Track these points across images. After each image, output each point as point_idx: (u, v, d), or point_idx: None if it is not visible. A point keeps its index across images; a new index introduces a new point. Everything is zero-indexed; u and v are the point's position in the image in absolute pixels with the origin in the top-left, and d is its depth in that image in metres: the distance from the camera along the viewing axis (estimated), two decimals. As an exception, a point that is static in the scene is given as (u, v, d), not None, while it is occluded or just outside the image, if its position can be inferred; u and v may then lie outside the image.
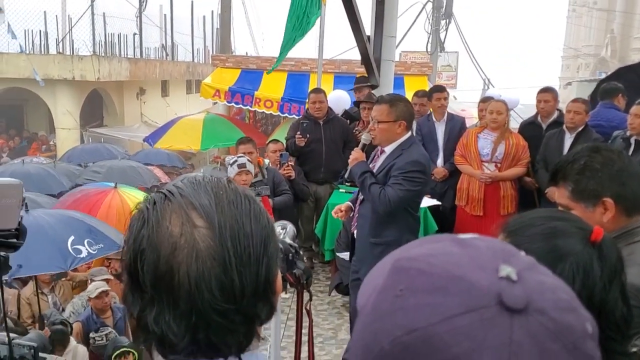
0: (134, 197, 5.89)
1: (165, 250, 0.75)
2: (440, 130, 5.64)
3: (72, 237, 4.19)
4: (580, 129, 4.86)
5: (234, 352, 0.79)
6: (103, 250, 4.41)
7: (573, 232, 1.24)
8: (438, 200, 5.35)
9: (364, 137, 3.63)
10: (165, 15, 18.47)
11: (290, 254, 1.35)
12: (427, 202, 5.09)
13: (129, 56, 15.79)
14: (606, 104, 5.44)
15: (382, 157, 3.44)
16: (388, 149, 3.39)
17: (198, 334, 0.76)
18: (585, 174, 1.65)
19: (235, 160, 4.09)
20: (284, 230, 1.45)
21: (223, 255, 0.76)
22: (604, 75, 9.07)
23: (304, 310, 1.56)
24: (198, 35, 19.82)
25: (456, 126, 5.63)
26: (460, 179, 5.28)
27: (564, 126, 4.97)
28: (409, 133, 3.40)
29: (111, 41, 15.36)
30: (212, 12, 19.12)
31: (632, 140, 4.30)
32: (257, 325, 0.84)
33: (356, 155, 3.48)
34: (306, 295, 1.55)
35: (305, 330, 1.65)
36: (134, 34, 16.35)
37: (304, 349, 1.67)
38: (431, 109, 5.87)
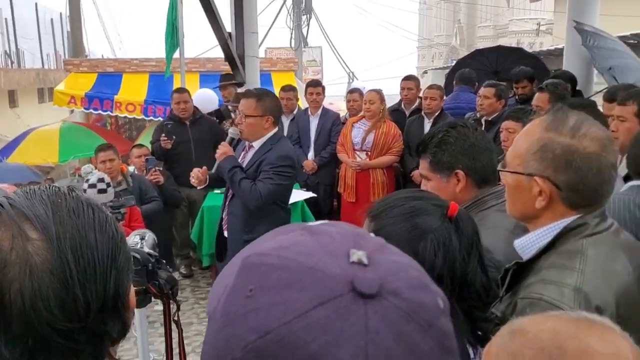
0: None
1: None
2: (313, 124, 5.73)
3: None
4: (437, 113, 5.16)
5: None
6: None
7: (431, 210, 1.27)
8: (312, 192, 5.42)
9: (231, 132, 3.57)
10: (5, 19, 16.85)
11: (150, 264, 1.25)
12: (302, 194, 5.14)
13: (-34, 65, 14.20)
14: (463, 88, 5.84)
15: (251, 152, 3.40)
16: (256, 144, 3.35)
17: (36, 358, 0.67)
18: (441, 147, 1.76)
19: (88, 181, 3.72)
20: (143, 240, 1.33)
21: (63, 269, 0.67)
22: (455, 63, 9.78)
23: (173, 321, 1.45)
24: (46, 40, 18.33)
25: (328, 121, 5.73)
26: (341, 167, 5.43)
27: (423, 112, 5.26)
28: (276, 128, 3.39)
29: (-57, 49, 13.70)
30: (61, 13, 17.79)
31: (483, 121, 4.64)
32: (108, 344, 0.75)
33: (224, 149, 3.41)
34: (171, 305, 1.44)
35: (185, 340, 1.54)
36: (-30, 40, 14.74)
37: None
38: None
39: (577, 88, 5.22)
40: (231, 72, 6.22)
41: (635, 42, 7.11)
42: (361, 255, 0.48)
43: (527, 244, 1.35)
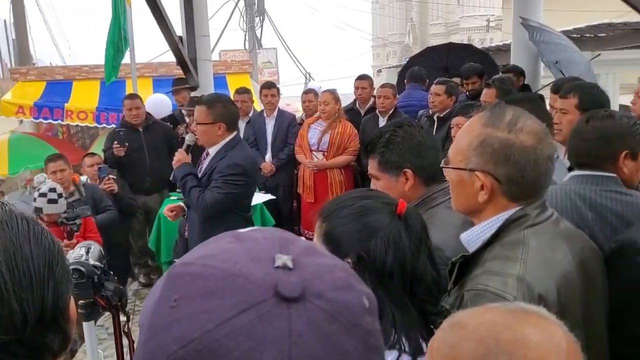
0: None
1: None
2: (270, 126, 5.72)
3: None
4: (391, 111, 5.23)
5: None
6: None
7: (380, 208, 1.30)
8: (271, 194, 5.41)
9: (188, 138, 3.54)
10: (-54, 27, 16.18)
11: (96, 276, 1.23)
12: (261, 197, 5.12)
13: None
14: (414, 86, 5.94)
15: (207, 160, 3.36)
16: (212, 151, 3.32)
17: None
18: (389, 147, 1.78)
19: (39, 190, 3.61)
20: (88, 252, 1.31)
21: None
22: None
23: (123, 333, 1.43)
24: (-9, 48, 17.66)
25: (285, 122, 5.73)
26: (299, 168, 5.45)
27: (377, 111, 5.32)
28: (233, 134, 3.32)
29: None
30: (5, 20, 17.17)
31: (435, 118, 4.72)
32: (49, 358, 0.74)
33: (179, 156, 3.38)
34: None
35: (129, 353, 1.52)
36: None
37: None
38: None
39: (525, 82, 5.39)
40: (184, 77, 6.15)
41: (578, 36, 7.36)
42: (286, 259, 0.48)
43: (472, 237, 1.39)
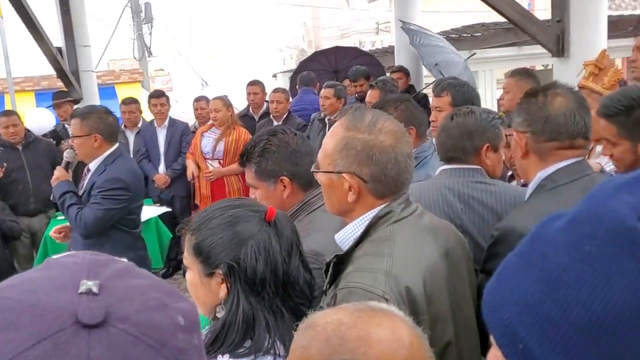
0: None
1: None
2: (161, 136, 5.58)
3: None
4: (285, 116, 5.28)
5: None
6: None
7: (250, 216, 1.30)
8: (167, 207, 5.26)
9: (67, 155, 3.34)
10: None
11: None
12: (155, 211, 4.96)
13: None
14: (306, 90, 6.02)
15: (88, 176, 3.21)
16: (92, 166, 3.16)
17: None
18: (264, 155, 1.79)
19: None
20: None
21: None
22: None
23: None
24: None
25: (177, 131, 5.61)
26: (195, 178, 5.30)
27: (271, 116, 5.34)
28: (114, 146, 3.19)
29: None
30: None
31: (327, 120, 4.82)
32: None
33: (58, 174, 3.19)
34: None
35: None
36: None
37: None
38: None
39: (410, 83, 5.64)
40: (66, 89, 5.85)
41: (456, 35, 7.81)
42: (91, 285, 0.48)
43: (345, 237, 1.43)
